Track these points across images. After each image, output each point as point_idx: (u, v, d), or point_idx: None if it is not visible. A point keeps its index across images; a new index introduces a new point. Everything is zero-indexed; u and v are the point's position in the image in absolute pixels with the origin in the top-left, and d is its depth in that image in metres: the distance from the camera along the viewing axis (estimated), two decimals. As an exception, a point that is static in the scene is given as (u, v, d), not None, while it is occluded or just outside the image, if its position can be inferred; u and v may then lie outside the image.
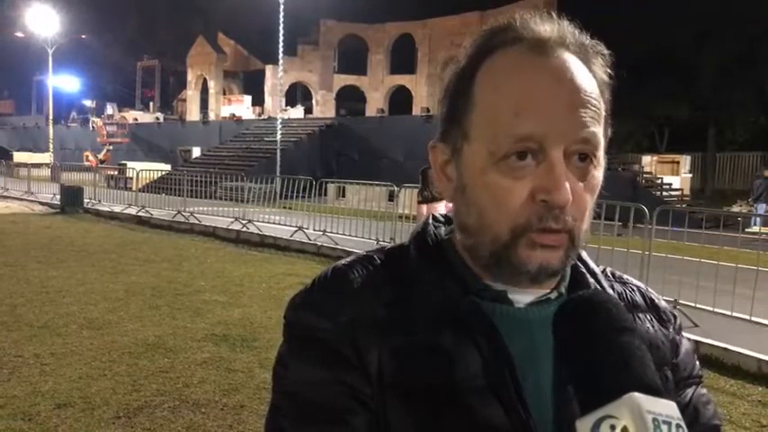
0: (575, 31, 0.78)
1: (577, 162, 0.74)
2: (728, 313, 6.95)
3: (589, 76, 0.76)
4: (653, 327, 0.87)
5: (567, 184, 0.73)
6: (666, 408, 0.60)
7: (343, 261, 0.85)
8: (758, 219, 15.08)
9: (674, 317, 0.92)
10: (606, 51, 0.80)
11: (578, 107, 0.74)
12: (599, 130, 0.76)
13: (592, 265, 0.88)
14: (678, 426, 0.59)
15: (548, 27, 0.77)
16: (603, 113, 0.77)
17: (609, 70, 0.80)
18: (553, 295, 0.81)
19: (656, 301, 0.91)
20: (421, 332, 0.77)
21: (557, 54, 0.75)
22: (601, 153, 0.77)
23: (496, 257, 0.77)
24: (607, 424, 0.60)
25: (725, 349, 5.99)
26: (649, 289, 0.93)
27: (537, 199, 0.73)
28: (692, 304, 7.08)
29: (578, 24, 0.79)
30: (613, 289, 0.88)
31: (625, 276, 0.93)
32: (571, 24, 0.78)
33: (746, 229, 12.62)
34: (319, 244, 12.37)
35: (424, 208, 8.97)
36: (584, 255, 0.87)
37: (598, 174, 0.77)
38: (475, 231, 0.78)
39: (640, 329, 0.84)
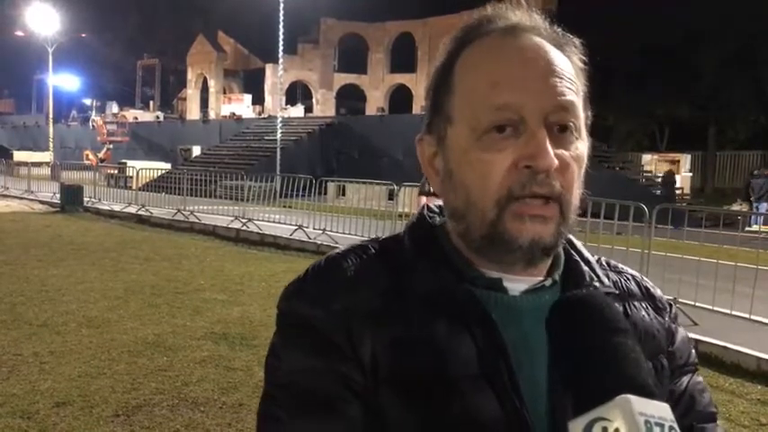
0: (546, 21, 0.80)
1: (559, 133, 0.75)
2: (728, 312, 6.94)
3: (563, 57, 0.78)
4: (648, 315, 0.87)
5: (551, 149, 0.73)
6: (659, 409, 0.60)
7: (337, 251, 0.85)
8: (759, 217, 15.08)
9: (670, 305, 0.92)
10: (578, 41, 0.82)
11: (553, 76, 0.75)
12: (577, 101, 0.77)
13: (586, 253, 0.88)
14: (671, 428, 0.59)
15: (518, 13, 0.80)
16: (581, 91, 0.79)
17: (583, 57, 0.81)
18: (547, 282, 0.81)
19: (652, 289, 0.92)
20: (415, 321, 0.77)
21: (529, 36, 0.78)
22: (581, 124, 0.77)
23: (488, 238, 0.77)
24: (599, 426, 0.59)
25: (724, 347, 5.98)
26: (644, 278, 0.93)
27: (520, 166, 0.74)
28: (692, 302, 7.07)
29: (551, 18, 0.81)
30: (608, 278, 0.88)
31: (620, 266, 0.93)
32: (542, 16, 0.81)
33: (746, 228, 12.62)
34: (319, 243, 12.36)
35: (424, 199, 8.98)
36: (578, 243, 0.88)
37: (582, 146, 0.77)
38: (464, 213, 0.79)
39: (636, 319, 0.84)
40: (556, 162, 0.73)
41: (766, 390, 5.35)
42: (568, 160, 0.75)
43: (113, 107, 48.71)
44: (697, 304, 7.09)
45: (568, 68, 0.77)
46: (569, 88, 0.76)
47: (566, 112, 0.75)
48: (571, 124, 0.76)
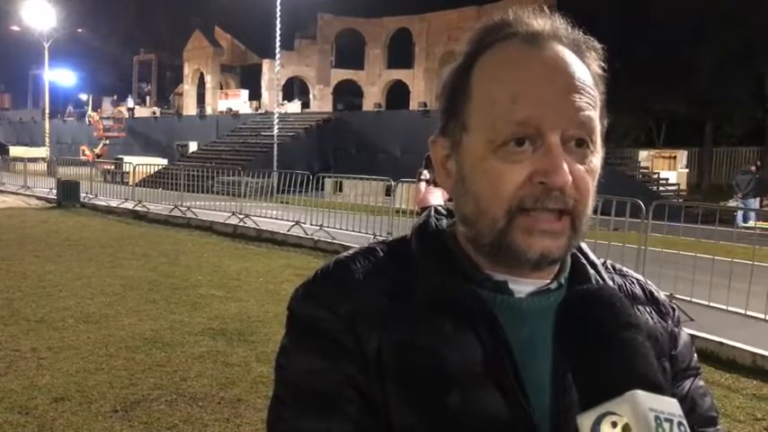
0: (567, 26, 0.80)
1: (575, 147, 0.76)
2: (724, 307, 6.96)
3: (583, 67, 0.78)
4: (652, 319, 0.88)
5: (566, 166, 0.74)
6: (669, 405, 0.60)
7: (345, 253, 0.86)
8: (752, 213, 15.10)
9: (673, 309, 0.93)
10: (599, 46, 0.81)
11: (573, 92, 0.75)
12: (595, 116, 0.77)
13: (592, 256, 0.89)
14: (680, 423, 0.59)
15: (541, 21, 0.79)
16: (599, 103, 0.79)
17: (602, 63, 0.81)
18: (553, 285, 0.82)
19: (656, 293, 0.92)
20: (422, 322, 0.78)
21: (550, 46, 0.77)
22: (597, 138, 0.78)
23: (497, 246, 0.77)
24: (608, 420, 0.60)
25: (720, 343, 6.01)
26: (648, 281, 0.94)
27: (535, 181, 0.74)
28: (688, 298, 7.08)
29: (571, 21, 0.81)
30: (613, 281, 0.89)
31: (625, 269, 0.94)
32: (564, 20, 0.80)
33: (742, 224, 12.64)
34: (316, 238, 12.36)
35: (423, 185, 9.01)
36: (585, 246, 0.89)
37: (596, 159, 0.78)
38: (474, 220, 0.79)
39: (642, 322, 0.84)
40: (570, 179, 0.74)
41: (762, 385, 5.37)
42: (583, 174, 0.76)
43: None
44: (693, 300, 7.10)
45: (588, 80, 0.77)
46: (588, 103, 0.76)
47: (583, 127, 0.75)
48: (587, 139, 0.76)
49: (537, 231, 0.75)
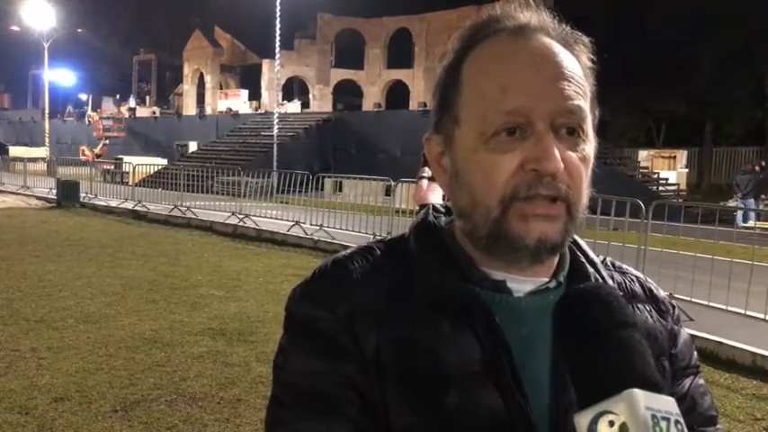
0: (554, 20, 0.80)
1: (566, 135, 0.76)
2: (723, 307, 6.96)
3: (571, 57, 0.78)
4: (651, 317, 0.88)
5: (557, 153, 0.74)
6: (666, 404, 0.60)
7: (343, 252, 0.86)
8: (752, 213, 15.10)
9: (673, 307, 0.92)
10: (587, 39, 0.82)
11: (561, 80, 0.76)
12: (584, 105, 0.77)
13: (591, 254, 0.88)
14: (677, 422, 0.60)
15: (527, 14, 0.80)
16: (589, 93, 0.79)
17: (591, 56, 0.82)
18: (552, 284, 0.82)
19: (655, 291, 0.92)
20: (419, 320, 0.78)
21: (537, 37, 0.78)
22: (589, 127, 0.78)
23: (494, 236, 0.77)
24: (605, 419, 0.60)
25: (720, 343, 6.01)
26: (648, 279, 0.94)
27: (527, 168, 0.74)
28: (688, 298, 7.08)
29: (559, 16, 0.81)
30: (613, 279, 0.88)
31: (624, 266, 0.94)
32: (551, 15, 0.81)
33: (741, 224, 12.65)
34: (316, 238, 12.37)
35: (425, 183, 9.00)
36: (584, 244, 0.88)
37: (588, 148, 0.78)
38: (469, 212, 0.79)
39: (640, 321, 0.84)
40: (561, 165, 0.74)
41: (761, 385, 5.38)
42: (575, 162, 0.76)
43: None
44: (693, 300, 7.11)
45: (577, 70, 0.78)
46: (577, 92, 0.76)
47: (573, 115, 0.75)
48: (578, 127, 0.76)
49: (532, 216, 0.75)
